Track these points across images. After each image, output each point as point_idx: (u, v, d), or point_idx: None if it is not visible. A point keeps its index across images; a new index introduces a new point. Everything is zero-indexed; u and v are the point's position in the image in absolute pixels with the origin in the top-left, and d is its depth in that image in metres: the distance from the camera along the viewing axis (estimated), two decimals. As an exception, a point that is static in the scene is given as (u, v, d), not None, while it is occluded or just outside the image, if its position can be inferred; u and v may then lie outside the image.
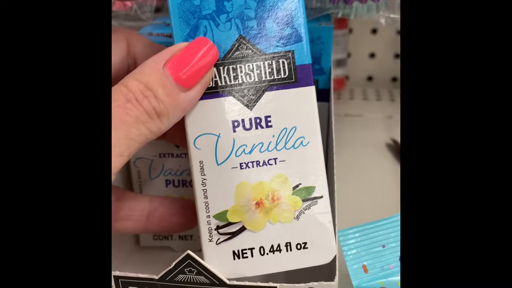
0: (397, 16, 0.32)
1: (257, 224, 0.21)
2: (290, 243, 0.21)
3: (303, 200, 0.21)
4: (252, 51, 0.21)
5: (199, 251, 0.21)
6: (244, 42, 0.21)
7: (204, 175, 0.21)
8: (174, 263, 0.20)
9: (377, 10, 0.31)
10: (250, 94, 0.21)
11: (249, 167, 0.21)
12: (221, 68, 0.21)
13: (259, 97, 0.21)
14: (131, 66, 0.23)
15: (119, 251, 0.31)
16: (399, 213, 0.25)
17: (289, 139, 0.21)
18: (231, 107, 0.21)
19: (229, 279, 0.21)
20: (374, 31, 0.55)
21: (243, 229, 0.21)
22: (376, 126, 0.49)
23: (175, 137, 0.25)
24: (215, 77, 0.21)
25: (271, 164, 0.21)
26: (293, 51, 0.21)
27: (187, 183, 0.30)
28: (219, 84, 0.21)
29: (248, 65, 0.21)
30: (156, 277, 0.21)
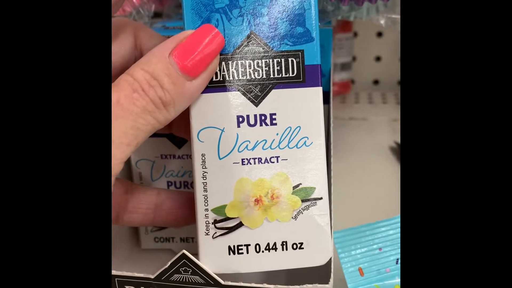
0: (397, 17, 0.32)
1: (255, 221, 0.21)
2: (286, 242, 0.21)
3: (302, 200, 0.21)
4: (262, 47, 0.21)
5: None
6: (255, 38, 0.21)
7: (205, 168, 0.21)
8: (169, 263, 0.20)
9: (377, 11, 0.31)
10: (257, 90, 0.21)
11: (250, 163, 0.21)
12: (230, 62, 0.21)
13: (266, 94, 0.21)
14: (138, 58, 0.23)
15: (119, 253, 0.31)
16: (397, 215, 0.25)
17: (293, 138, 0.21)
18: (237, 102, 0.21)
19: (224, 280, 0.21)
20: (379, 34, 0.55)
21: (240, 225, 0.21)
22: (381, 129, 0.48)
23: (180, 129, 0.25)
24: (223, 71, 0.21)
25: (273, 162, 0.21)
26: (303, 50, 0.21)
27: (189, 185, 0.31)
28: (227, 78, 0.21)
29: (257, 62, 0.21)
30: (152, 277, 0.21)
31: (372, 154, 0.44)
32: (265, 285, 0.20)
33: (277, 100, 0.21)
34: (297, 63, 0.21)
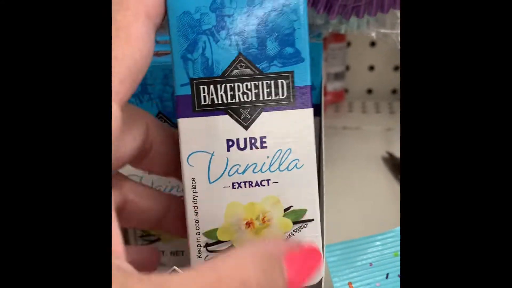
0: (388, 31, 0.32)
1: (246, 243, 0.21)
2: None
3: (294, 223, 0.21)
4: (251, 69, 0.21)
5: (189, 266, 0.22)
6: (244, 60, 0.20)
7: (195, 192, 0.21)
8: None
9: (367, 25, 0.31)
10: (246, 113, 0.21)
11: (241, 187, 0.21)
12: (218, 86, 0.21)
13: (256, 117, 0.21)
14: (147, 151, 0.22)
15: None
16: (389, 230, 0.25)
17: (284, 161, 0.21)
18: (226, 126, 0.21)
19: None
20: (372, 44, 0.56)
21: (232, 248, 0.21)
22: (374, 139, 0.48)
23: (160, 170, 0.24)
24: (212, 95, 0.21)
25: (264, 185, 0.21)
26: (293, 71, 0.21)
27: None
28: (215, 102, 0.21)
29: (246, 84, 0.21)
30: None
31: (364, 163, 0.44)
32: None
33: (267, 123, 0.21)
34: (287, 84, 0.21)
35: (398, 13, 0.31)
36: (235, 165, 0.21)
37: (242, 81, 0.21)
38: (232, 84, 0.21)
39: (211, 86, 0.20)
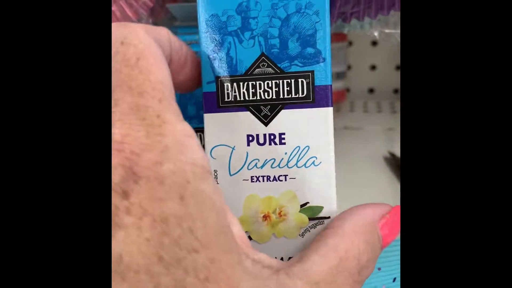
0: (391, 30, 0.32)
1: (263, 236, 0.22)
2: (292, 258, 0.22)
3: (310, 219, 0.22)
4: (273, 69, 0.21)
5: None
6: (266, 59, 0.21)
7: (217, 184, 0.22)
8: None
9: (370, 25, 0.31)
10: (266, 110, 0.22)
11: (259, 181, 0.22)
12: (241, 83, 0.21)
13: (275, 114, 0.22)
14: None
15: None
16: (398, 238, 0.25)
17: (301, 157, 0.22)
18: (247, 121, 0.22)
19: None
20: (374, 43, 0.55)
21: (249, 239, 0.21)
22: (375, 139, 0.48)
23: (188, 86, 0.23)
24: (234, 92, 0.21)
25: (281, 181, 0.22)
26: (313, 71, 0.21)
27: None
28: (238, 99, 0.21)
29: (267, 82, 0.21)
30: None
31: (366, 163, 0.44)
32: None
33: (287, 120, 0.22)
34: (307, 83, 0.21)
35: (401, 13, 0.31)
36: (254, 160, 0.22)
37: (263, 80, 0.21)
38: (254, 82, 0.21)
39: (234, 84, 0.21)
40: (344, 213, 0.21)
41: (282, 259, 0.22)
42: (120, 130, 0.16)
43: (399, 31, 0.32)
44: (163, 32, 0.19)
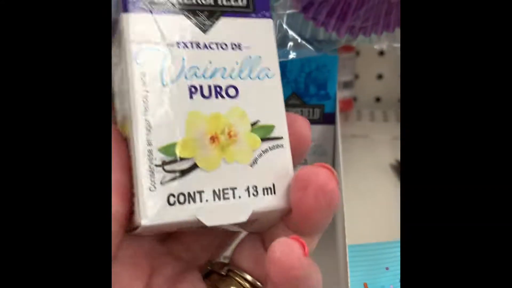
0: (398, 45, 0.33)
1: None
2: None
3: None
4: None
5: None
6: None
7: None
8: None
9: (378, 40, 0.32)
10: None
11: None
12: None
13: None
14: None
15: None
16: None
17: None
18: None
19: None
20: (381, 53, 0.57)
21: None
22: (382, 147, 0.50)
23: None
24: None
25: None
26: None
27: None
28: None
29: None
30: None
31: (373, 171, 0.45)
32: None
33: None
34: None
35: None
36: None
37: None
38: None
39: None
40: None
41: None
42: None
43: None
44: None
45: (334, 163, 0.38)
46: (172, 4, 0.19)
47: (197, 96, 0.18)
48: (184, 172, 0.18)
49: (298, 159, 0.20)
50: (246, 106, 0.19)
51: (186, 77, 0.18)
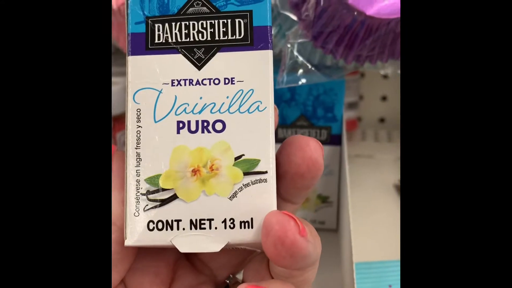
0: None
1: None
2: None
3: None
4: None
5: None
6: None
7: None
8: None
9: (383, 66, 0.34)
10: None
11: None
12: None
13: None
14: None
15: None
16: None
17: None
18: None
19: None
20: (385, 76, 0.58)
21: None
22: (386, 167, 0.51)
23: None
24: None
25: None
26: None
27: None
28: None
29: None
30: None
31: (377, 191, 0.46)
32: None
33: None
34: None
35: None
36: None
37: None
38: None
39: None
40: None
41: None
42: None
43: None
44: None
45: (340, 183, 0.40)
46: (171, 44, 0.20)
47: (184, 131, 0.20)
48: (164, 202, 0.19)
49: (310, 182, 0.20)
50: (232, 140, 0.19)
51: (176, 113, 0.20)
